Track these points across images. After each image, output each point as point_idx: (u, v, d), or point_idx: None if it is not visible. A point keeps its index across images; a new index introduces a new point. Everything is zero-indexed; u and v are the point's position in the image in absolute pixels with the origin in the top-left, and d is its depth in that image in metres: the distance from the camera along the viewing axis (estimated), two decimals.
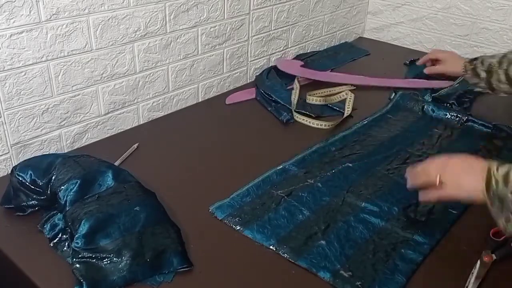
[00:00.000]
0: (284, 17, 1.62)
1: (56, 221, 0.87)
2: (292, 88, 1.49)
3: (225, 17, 1.41)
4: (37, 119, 1.07)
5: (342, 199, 0.99)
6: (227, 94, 1.47)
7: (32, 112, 1.06)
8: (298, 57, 1.74)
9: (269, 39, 1.60)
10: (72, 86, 1.11)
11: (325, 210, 0.96)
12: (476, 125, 1.29)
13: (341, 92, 1.48)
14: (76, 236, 0.79)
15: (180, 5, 1.26)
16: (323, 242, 0.87)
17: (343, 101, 1.43)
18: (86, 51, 1.10)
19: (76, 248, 0.78)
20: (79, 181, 0.87)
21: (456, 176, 0.79)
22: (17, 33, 0.97)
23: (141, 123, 1.30)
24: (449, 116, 1.34)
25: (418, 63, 1.53)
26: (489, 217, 0.95)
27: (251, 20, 1.50)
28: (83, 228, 0.79)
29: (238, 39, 1.49)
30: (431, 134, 1.27)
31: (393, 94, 1.47)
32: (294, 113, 1.34)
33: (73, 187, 0.86)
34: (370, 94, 1.52)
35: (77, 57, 1.09)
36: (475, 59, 1.31)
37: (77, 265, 0.77)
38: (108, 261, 0.78)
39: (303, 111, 1.35)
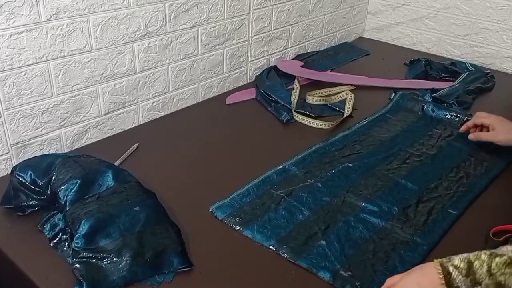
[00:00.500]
0: (284, 17, 1.62)
1: (56, 221, 0.87)
2: (292, 88, 1.49)
3: (225, 17, 1.41)
4: (37, 119, 1.07)
5: (342, 199, 0.99)
6: (227, 94, 1.47)
7: (32, 112, 1.06)
8: (298, 57, 1.74)
9: (269, 39, 1.60)
10: (72, 86, 1.11)
11: (325, 210, 0.96)
12: None
13: (341, 92, 1.48)
14: (76, 236, 0.79)
15: (180, 5, 1.26)
16: (323, 242, 0.87)
17: (343, 101, 1.43)
18: (86, 51, 1.10)
19: (76, 248, 0.79)
20: (79, 181, 0.87)
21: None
22: (17, 33, 0.97)
23: (141, 123, 1.30)
24: (449, 116, 1.34)
25: (461, 130, 1.23)
26: (489, 217, 0.96)
27: (251, 20, 1.50)
28: (83, 228, 0.79)
29: (238, 39, 1.49)
30: (431, 134, 1.27)
31: (393, 94, 1.47)
32: (294, 113, 1.34)
33: (73, 187, 0.86)
34: (370, 94, 1.52)
35: (77, 57, 1.09)
36: None
37: (77, 265, 0.77)
38: (108, 261, 0.78)
39: (303, 111, 1.35)
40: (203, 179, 1.06)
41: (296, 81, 1.51)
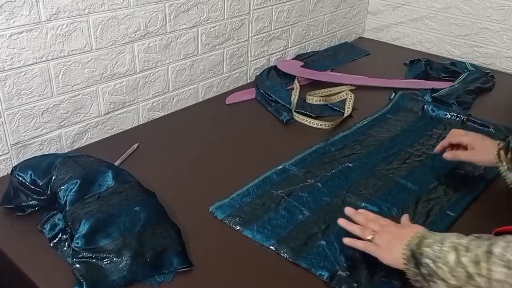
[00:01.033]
0: (284, 17, 1.62)
1: (56, 221, 0.87)
2: (292, 88, 1.49)
3: (225, 17, 1.41)
4: (37, 119, 1.07)
5: (342, 199, 0.99)
6: (227, 94, 1.47)
7: (32, 112, 1.06)
8: (298, 57, 1.74)
9: (269, 39, 1.60)
10: (72, 86, 1.11)
11: (325, 210, 0.96)
12: (476, 125, 1.29)
13: (341, 92, 1.48)
14: (76, 236, 0.79)
15: (180, 5, 1.26)
16: (323, 242, 0.87)
17: (343, 101, 1.43)
18: (86, 51, 1.10)
19: (76, 248, 0.78)
20: (79, 181, 0.87)
21: (389, 242, 0.78)
22: (17, 33, 0.97)
23: (141, 123, 1.30)
24: (449, 116, 1.34)
25: (436, 150, 1.12)
26: (489, 217, 0.96)
27: (251, 20, 1.50)
28: (83, 228, 0.79)
29: (238, 39, 1.49)
30: (431, 134, 1.27)
31: (393, 94, 1.47)
32: (294, 113, 1.34)
33: (73, 187, 0.86)
34: (370, 94, 1.52)
35: (77, 57, 1.09)
36: (508, 143, 0.96)
37: (77, 265, 0.77)
38: (108, 261, 0.78)
39: (303, 111, 1.35)
40: (203, 179, 1.06)
41: (296, 81, 1.51)
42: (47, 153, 1.11)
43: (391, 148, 1.20)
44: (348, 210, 0.88)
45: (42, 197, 0.90)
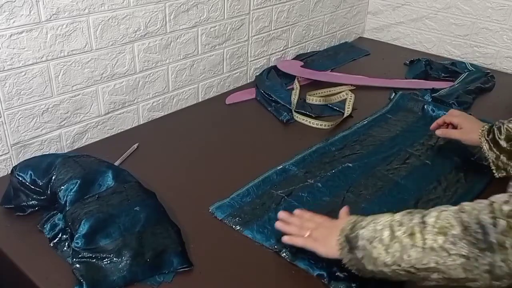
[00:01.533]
0: (284, 17, 1.62)
1: (56, 221, 0.87)
2: (292, 88, 1.49)
3: (225, 17, 1.41)
4: (37, 119, 1.07)
5: (342, 199, 0.99)
6: (227, 94, 1.47)
7: (32, 112, 1.06)
8: (298, 57, 1.74)
9: (269, 39, 1.60)
10: (72, 86, 1.11)
11: (325, 210, 0.95)
12: None
13: (341, 92, 1.48)
14: (76, 236, 0.79)
15: (180, 5, 1.26)
16: None
17: (343, 101, 1.43)
18: (86, 51, 1.10)
19: (76, 248, 0.79)
20: (79, 181, 0.87)
21: (325, 235, 0.80)
22: (17, 33, 0.97)
23: (141, 123, 1.30)
24: None
25: (431, 127, 1.20)
26: None
27: (251, 20, 1.50)
28: (83, 228, 0.79)
29: (238, 39, 1.49)
30: (431, 134, 1.27)
31: (393, 94, 1.47)
32: (294, 113, 1.34)
33: (73, 187, 0.86)
34: (370, 94, 1.52)
35: (77, 57, 1.09)
36: (492, 125, 1.07)
37: (77, 265, 0.77)
38: (108, 261, 0.78)
39: (303, 111, 1.35)
40: (203, 179, 1.06)
41: (296, 81, 1.51)
42: (47, 153, 1.11)
43: (391, 148, 1.20)
44: (281, 214, 0.88)
45: (42, 197, 0.90)
